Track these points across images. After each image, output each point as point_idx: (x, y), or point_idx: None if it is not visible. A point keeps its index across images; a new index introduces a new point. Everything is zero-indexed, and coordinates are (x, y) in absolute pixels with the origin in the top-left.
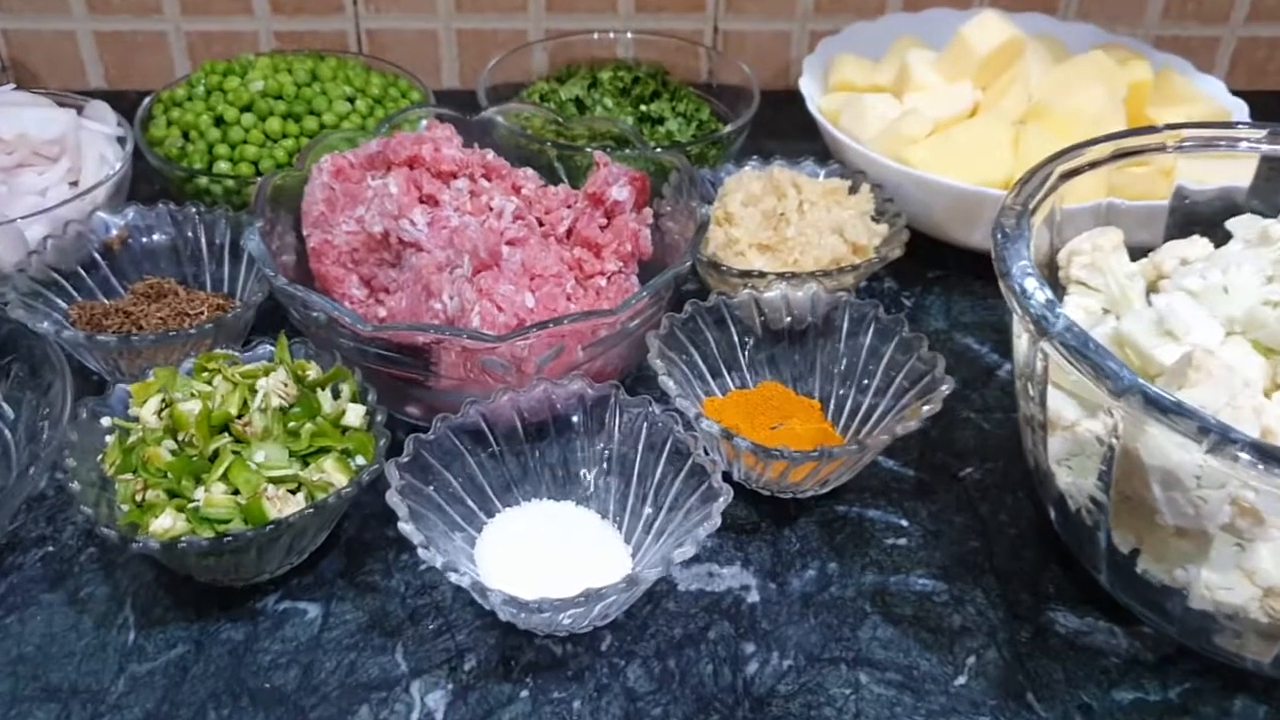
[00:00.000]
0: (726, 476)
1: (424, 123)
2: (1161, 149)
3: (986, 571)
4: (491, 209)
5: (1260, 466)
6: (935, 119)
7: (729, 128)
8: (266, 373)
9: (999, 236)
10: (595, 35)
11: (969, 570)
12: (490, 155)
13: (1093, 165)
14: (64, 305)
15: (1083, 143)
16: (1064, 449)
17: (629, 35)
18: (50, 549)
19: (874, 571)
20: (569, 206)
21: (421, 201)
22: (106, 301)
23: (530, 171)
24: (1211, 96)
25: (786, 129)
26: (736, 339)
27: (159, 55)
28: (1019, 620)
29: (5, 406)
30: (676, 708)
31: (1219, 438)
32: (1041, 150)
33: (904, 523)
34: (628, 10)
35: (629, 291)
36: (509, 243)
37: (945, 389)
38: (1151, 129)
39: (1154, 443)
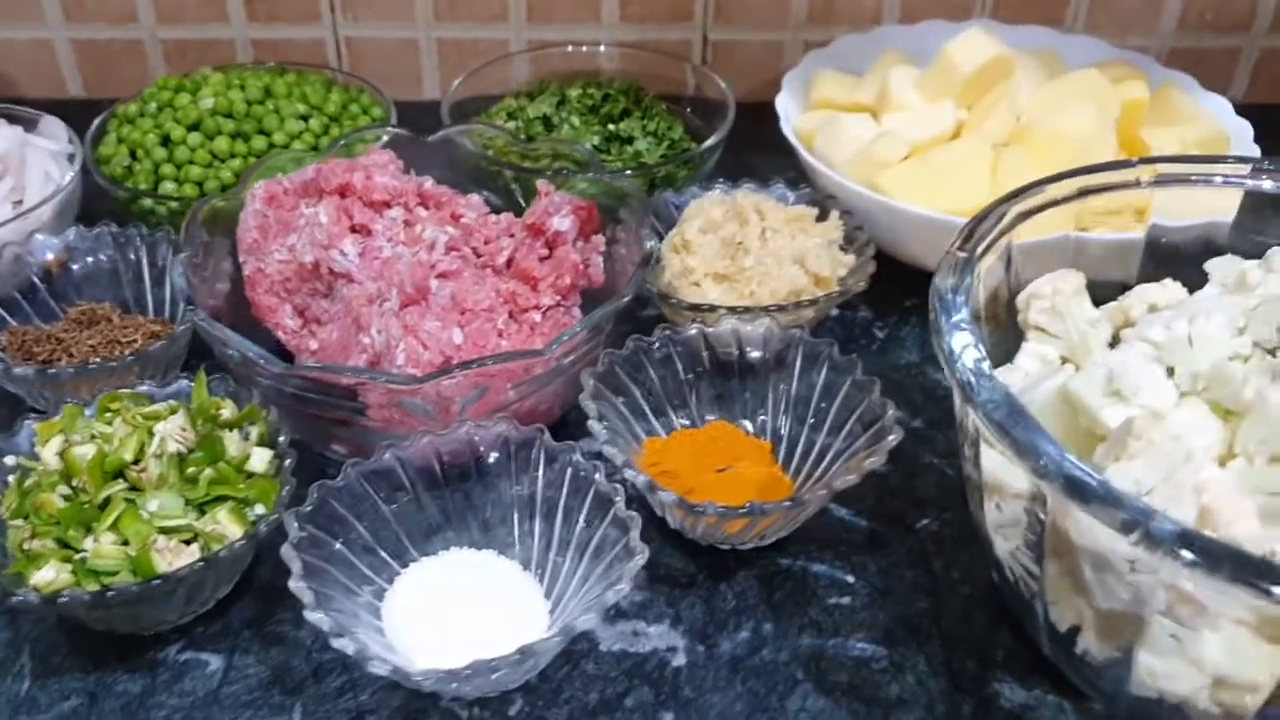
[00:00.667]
0: (664, 524)
1: (380, 139)
2: (1135, 184)
3: (932, 636)
4: (423, 240)
5: (1188, 563)
6: (912, 141)
7: (700, 148)
8: (171, 413)
9: (936, 285)
10: (569, 48)
11: (914, 634)
12: (429, 183)
13: (1054, 204)
14: None
15: (1043, 179)
16: (998, 516)
17: (601, 48)
18: None
19: (812, 634)
20: (510, 236)
21: (353, 231)
22: (42, 326)
23: (474, 199)
24: (1213, 115)
25: (771, 145)
26: (683, 375)
27: (136, 64)
28: (961, 692)
29: None
30: None
31: (1143, 532)
32: (1021, 175)
33: (850, 579)
34: (612, 20)
35: (565, 326)
36: (440, 275)
37: (892, 440)
38: (1124, 163)
39: (1083, 523)
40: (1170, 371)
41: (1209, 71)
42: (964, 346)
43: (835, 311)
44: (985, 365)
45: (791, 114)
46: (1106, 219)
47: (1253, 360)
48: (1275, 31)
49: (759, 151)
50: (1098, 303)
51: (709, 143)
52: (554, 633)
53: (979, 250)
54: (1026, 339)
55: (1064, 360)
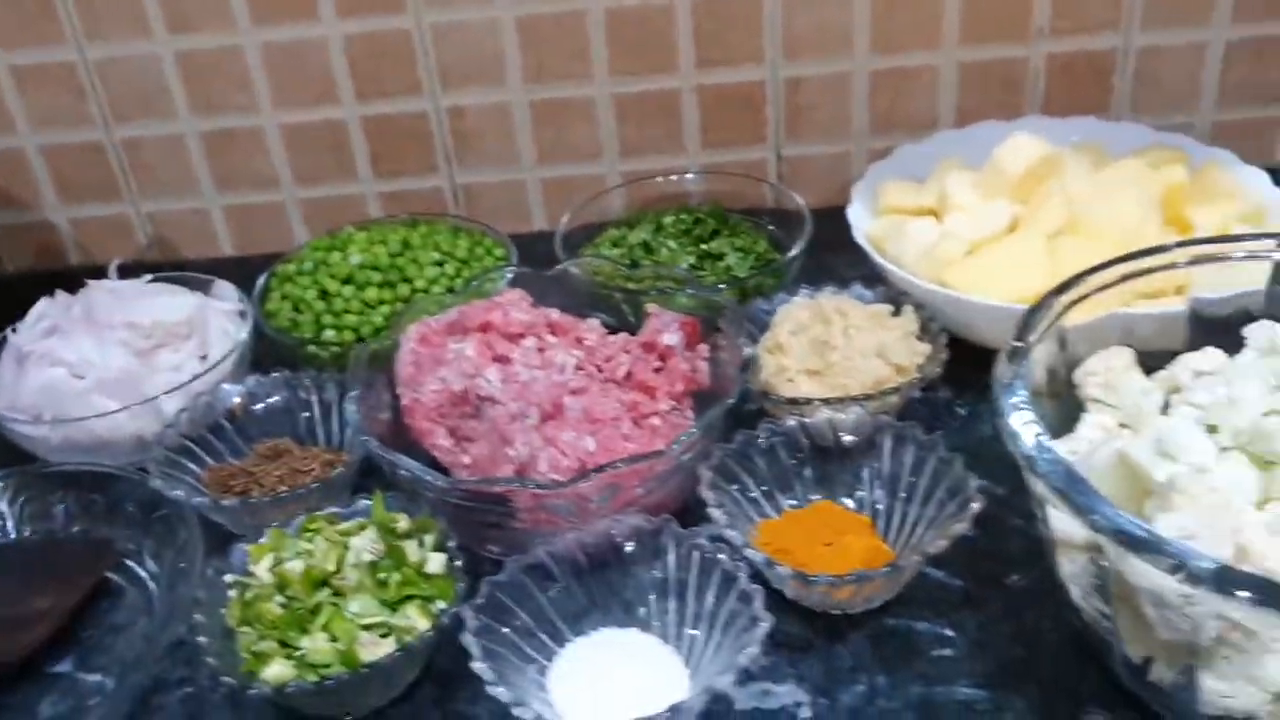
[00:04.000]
0: (781, 594)
1: (506, 277)
2: (1172, 266)
3: (1027, 679)
4: (555, 364)
5: (1225, 594)
6: (971, 239)
7: (785, 259)
8: (361, 528)
9: (996, 375)
10: (660, 179)
11: (1011, 677)
12: (555, 314)
13: (1099, 290)
14: (196, 470)
15: (1088, 269)
16: (1069, 569)
17: (688, 176)
18: (190, 690)
19: (920, 684)
20: (627, 352)
21: (495, 360)
22: (234, 463)
23: (594, 322)
24: (1253, 189)
25: (846, 247)
26: (786, 462)
27: (279, 222)
28: None
29: (150, 562)
30: None
31: (1186, 572)
32: (1075, 261)
33: (950, 633)
34: (695, 149)
35: (682, 427)
36: (571, 392)
37: (975, 507)
38: (1160, 249)
39: (1139, 569)
40: (1214, 429)
41: (1254, 143)
42: (1023, 424)
43: (918, 394)
44: (1044, 439)
45: (862, 221)
46: (1152, 295)
47: None
48: None
49: (836, 254)
50: (1149, 370)
51: (792, 253)
52: (696, 692)
53: (1031, 339)
54: (1086, 410)
55: (1122, 426)
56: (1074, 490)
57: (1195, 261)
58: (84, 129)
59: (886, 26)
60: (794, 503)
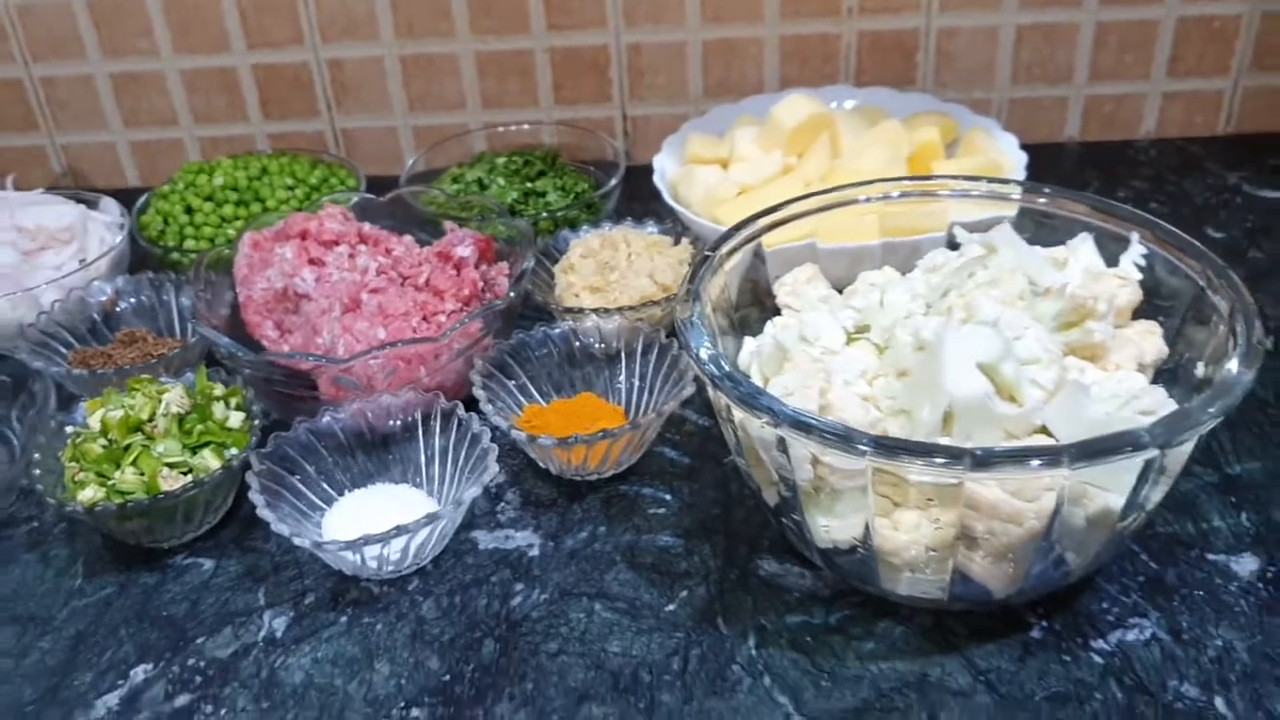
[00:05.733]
0: (546, 472)
1: (350, 200)
2: (863, 200)
3: (719, 532)
4: (359, 267)
5: (793, 433)
6: (744, 182)
7: (593, 195)
8: (173, 389)
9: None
10: (513, 127)
11: (705, 531)
12: (366, 227)
13: (796, 218)
14: (66, 351)
15: (791, 199)
16: (727, 433)
17: (531, 125)
18: (35, 525)
19: (632, 532)
20: (428, 263)
21: (310, 263)
22: (98, 347)
23: (407, 239)
24: (1003, 151)
25: (660, 195)
26: (556, 360)
27: (179, 156)
28: (731, 566)
29: (15, 424)
30: (451, 629)
31: (772, 417)
32: None
33: (668, 496)
34: (549, 104)
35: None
36: (371, 291)
37: (690, 384)
38: (853, 185)
39: (752, 422)
40: (865, 328)
41: (1045, 117)
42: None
43: None
44: (706, 347)
45: (668, 170)
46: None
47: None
48: (1094, 80)
49: (653, 201)
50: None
51: (600, 192)
52: (443, 510)
53: (723, 250)
54: (780, 314)
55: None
56: (713, 365)
57: (885, 198)
58: (6, 66)
59: (715, 1)
60: (563, 396)
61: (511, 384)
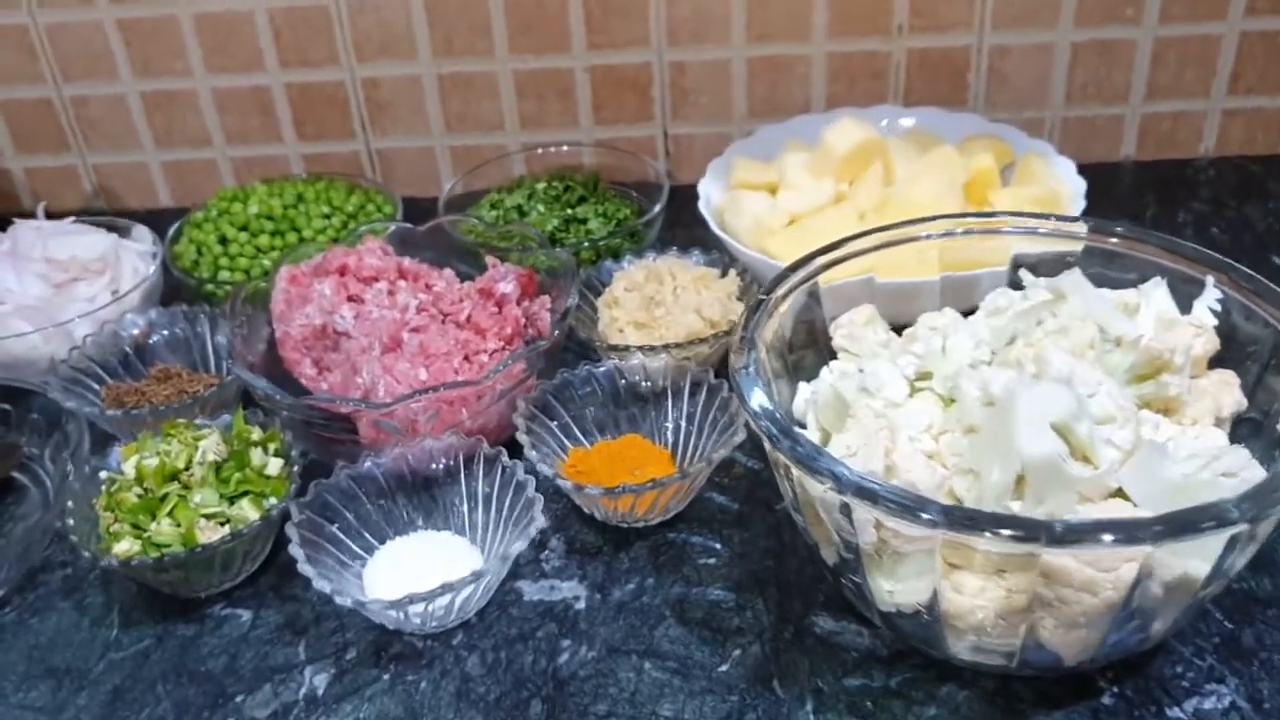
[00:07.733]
0: (591, 517)
1: (388, 230)
2: (925, 238)
3: (772, 584)
4: (400, 304)
5: (858, 501)
6: (794, 211)
7: (636, 223)
8: (210, 434)
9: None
10: (553, 149)
11: (758, 583)
12: (407, 262)
13: (855, 256)
14: (97, 387)
15: (848, 237)
16: (785, 489)
17: (571, 148)
18: (69, 571)
19: (682, 584)
20: (470, 299)
21: (349, 300)
22: (131, 383)
23: (447, 272)
24: (1058, 178)
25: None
26: (601, 399)
27: (212, 177)
28: (785, 622)
29: (49, 464)
30: (497, 687)
31: (835, 481)
32: None
33: (718, 546)
34: (588, 124)
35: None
36: (411, 329)
37: (740, 431)
38: (913, 221)
39: (809, 480)
40: (926, 375)
41: (1100, 138)
42: (747, 386)
43: None
44: (770, 408)
45: (714, 195)
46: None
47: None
48: (1151, 99)
49: (697, 226)
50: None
51: (644, 219)
52: (488, 564)
53: (779, 292)
54: (836, 357)
55: (860, 370)
56: (774, 431)
57: (947, 235)
58: (37, 86)
59: (761, 18)
60: (609, 436)
61: (554, 424)
